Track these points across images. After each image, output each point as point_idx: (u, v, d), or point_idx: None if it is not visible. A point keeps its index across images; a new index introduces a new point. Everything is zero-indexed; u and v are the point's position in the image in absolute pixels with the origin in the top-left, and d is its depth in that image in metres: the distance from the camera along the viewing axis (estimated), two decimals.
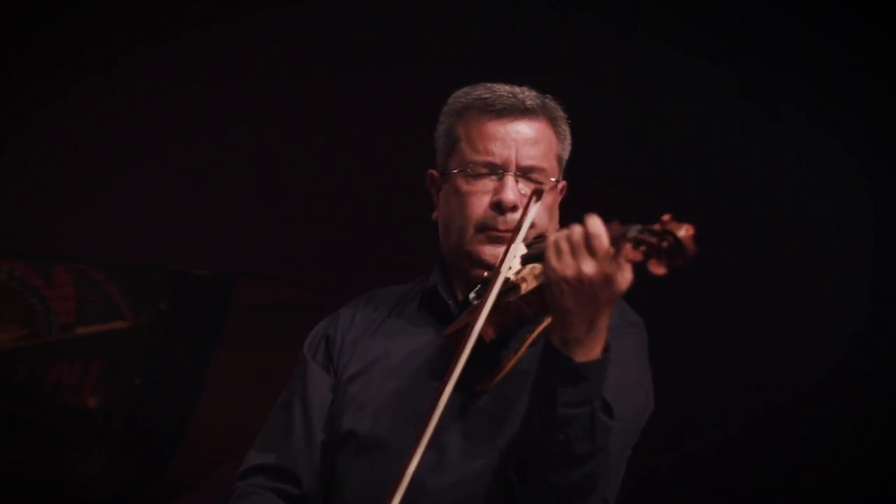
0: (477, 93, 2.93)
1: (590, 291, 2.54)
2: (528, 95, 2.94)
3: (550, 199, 2.88)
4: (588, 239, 2.55)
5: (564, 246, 2.57)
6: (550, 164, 2.90)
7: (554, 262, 2.57)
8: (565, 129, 2.96)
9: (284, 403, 2.98)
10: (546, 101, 2.97)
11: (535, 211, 2.77)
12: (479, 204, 2.85)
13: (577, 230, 2.57)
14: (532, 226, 2.81)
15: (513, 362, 2.78)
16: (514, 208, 2.83)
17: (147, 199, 5.34)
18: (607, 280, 2.53)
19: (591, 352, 2.59)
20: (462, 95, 2.95)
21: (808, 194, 5.16)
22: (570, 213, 5.45)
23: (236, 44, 5.32)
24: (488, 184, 2.86)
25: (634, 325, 2.92)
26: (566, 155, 2.96)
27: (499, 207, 2.86)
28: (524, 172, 2.87)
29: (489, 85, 2.95)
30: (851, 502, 5.08)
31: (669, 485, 5.30)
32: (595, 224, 2.56)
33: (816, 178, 5.14)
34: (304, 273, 5.16)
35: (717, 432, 5.22)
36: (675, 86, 5.29)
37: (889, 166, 5.01)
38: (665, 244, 2.48)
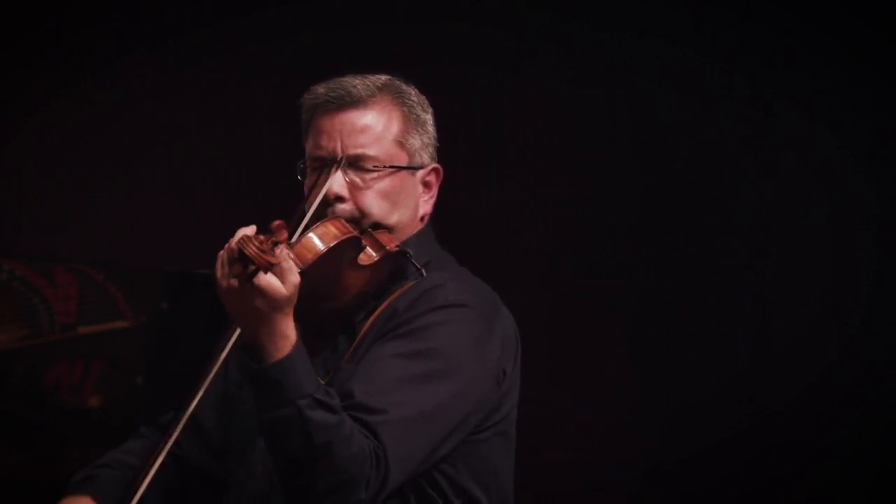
0: (318, 90, 2.92)
1: (241, 300, 2.55)
2: (362, 83, 2.89)
3: (389, 184, 2.86)
4: (227, 253, 2.58)
5: (220, 256, 2.60)
6: (384, 150, 2.87)
7: (217, 272, 2.60)
8: (417, 115, 2.92)
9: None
10: (388, 86, 2.92)
11: (325, 189, 2.77)
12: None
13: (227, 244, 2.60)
14: (364, 215, 2.82)
15: (353, 345, 2.81)
16: (339, 199, 2.83)
17: (147, 199, 5.34)
18: (257, 290, 2.54)
19: (273, 354, 2.57)
20: (308, 92, 2.94)
21: (804, 192, 5.16)
22: (565, 212, 5.44)
23: (236, 44, 5.32)
24: (321, 177, 2.86)
25: (448, 308, 2.81)
26: (421, 140, 2.92)
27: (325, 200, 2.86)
28: (351, 162, 2.85)
29: (335, 79, 2.92)
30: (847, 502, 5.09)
31: (668, 484, 5.30)
32: (236, 239, 2.57)
33: (812, 175, 5.14)
34: None
35: (711, 433, 5.22)
36: (671, 83, 5.29)
37: (888, 164, 5.01)
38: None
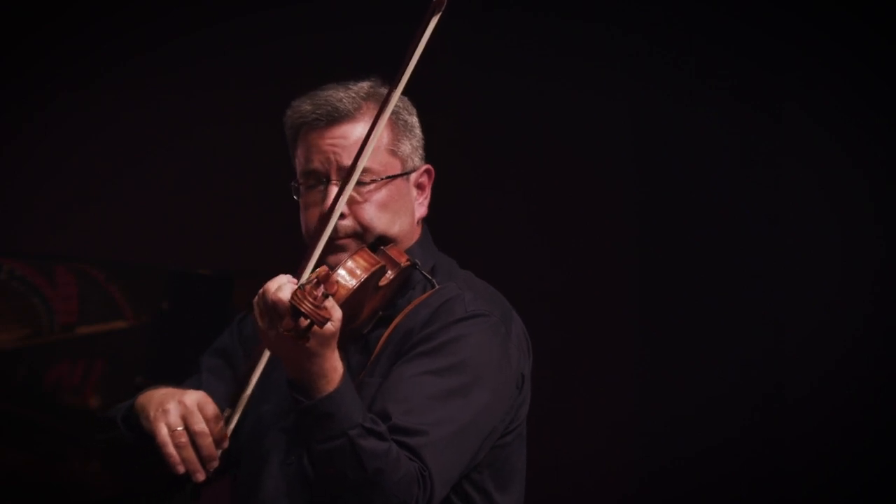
0: (303, 106, 2.87)
1: (292, 347, 2.57)
2: (347, 96, 2.86)
3: (387, 194, 2.85)
4: (271, 307, 2.58)
5: (258, 304, 2.60)
6: (378, 161, 2.85)
7: (257, 318, 2.61)
8: (405, 119, 2.90)
9: (214, 367, 3.02)
10: (373, 95, 2.89)
11: (335, 219, 2.75)
12: (314, 215, 2.83)
13: (264, 293, 2.59)
14: (366, 229, 2.81)
15: (372, 358, 2.81)
16: (341, 215, 2.80)
17: (147, 199, 5.34)
18: (309, 333, 2.56)
19: (324, 388, 2.60)
20: (292, 109, 2.90)
21: (809, 195, 5.16)
22: (565, 212, 5.45)
23: (236, 44, 5.32)
24: (318, 194, 2.84)
25: (469, 319, 2.80)
26: (411, 144, 2.90)
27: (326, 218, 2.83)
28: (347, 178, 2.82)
29: (316, 92, 2.88)
30: (851, 501, 5.09)
31: (669, 484, 5.31)
32: (271, 292, 2.57)
33: (818, 178, 5.14)
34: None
35: (715, 431, 5.23)
36: (678, 88, 5.29)
37: (890, 167, 5.02)
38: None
